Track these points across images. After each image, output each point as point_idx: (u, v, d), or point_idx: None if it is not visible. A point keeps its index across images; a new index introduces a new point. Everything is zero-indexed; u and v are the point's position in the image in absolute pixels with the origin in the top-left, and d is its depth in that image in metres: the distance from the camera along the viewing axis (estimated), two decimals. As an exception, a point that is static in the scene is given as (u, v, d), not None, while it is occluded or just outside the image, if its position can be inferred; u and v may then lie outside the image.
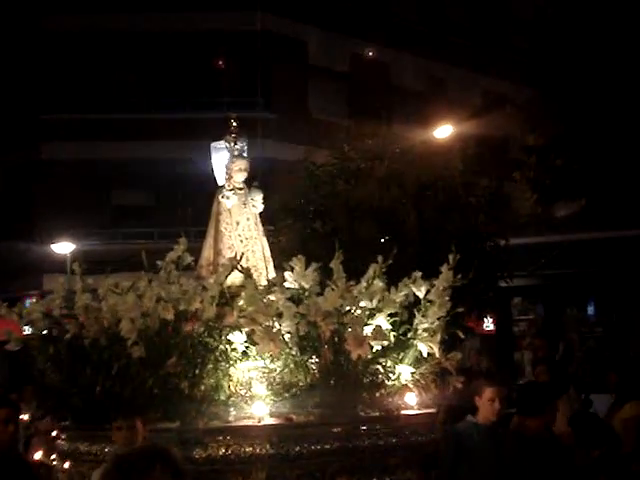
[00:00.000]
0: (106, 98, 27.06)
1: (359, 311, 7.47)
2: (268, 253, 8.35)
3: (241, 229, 8.26)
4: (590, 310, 20.30)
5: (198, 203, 23.05)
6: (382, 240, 15.91)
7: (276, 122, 26.84)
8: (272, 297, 7.44)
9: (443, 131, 25.28)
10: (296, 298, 7.49)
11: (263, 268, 8.07)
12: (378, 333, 7.35)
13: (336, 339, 7.34)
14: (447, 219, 23.21)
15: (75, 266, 7.96)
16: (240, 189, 8.38)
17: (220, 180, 15.25)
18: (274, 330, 7.26)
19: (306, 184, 18.05)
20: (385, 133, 21.92)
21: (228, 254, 8.08)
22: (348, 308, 7.44)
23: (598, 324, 19.69)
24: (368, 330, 7.43)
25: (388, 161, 20.95)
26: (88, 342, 7.72)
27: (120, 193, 27.40)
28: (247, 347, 7.49)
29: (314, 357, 7.45)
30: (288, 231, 17.04)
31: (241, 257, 7.43)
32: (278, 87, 27.42)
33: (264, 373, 7.53)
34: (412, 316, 7.81)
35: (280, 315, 7.36)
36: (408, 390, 7.64)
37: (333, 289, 7.39)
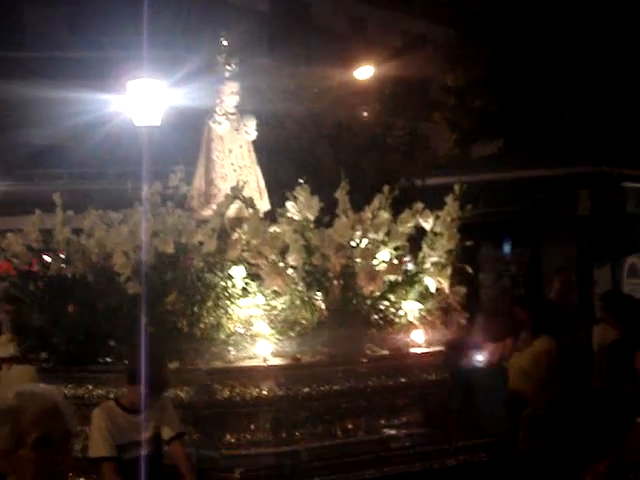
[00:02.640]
0: (15, 36, 25.90)
1: (368, 244, 7.03)
2: (262, 183, 7.84)
3: (234, 157, 7.71)
4: (506, 249, 20.25)
5: (114, 143, 22.42)
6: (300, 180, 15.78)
7: (195, 64, 26.01)
8: (276, 229, 6.96)
9: (363, 72, 24.94)
10: (299, 230, 7.01)
11: (258, 199, 7.54)
12: (392, 266, 6.92)
13: (347, 274, 6.89)
14: (364, 159, 23.01)
15: (56, 198, 7.34)
16: (232, 114, 7.81)
17: (137, 120, 14.68)
18: (281, 264, 6.78)
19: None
20: (304, 73, 21.58)
21: (221, 184, 7.56)
22: (358, 240, 7.00)
23: (513, 262, 19.64)
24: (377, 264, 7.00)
25: (306, 101, 20.68)
26: (71, 278, 7.17)
27: (32, 132, 26.34)
28: (247, 283, 6.98)
29: (321, 293, 6.98)
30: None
31: (243, 186, 6.91)
32: (197, 25, 26.61)
33: (265, 310, 7.03)
34: (415, 250, 7.41)
35: (285, 248, 6.88)
36: (414, 327, 7.25)
37: (343, 220, 6.92)
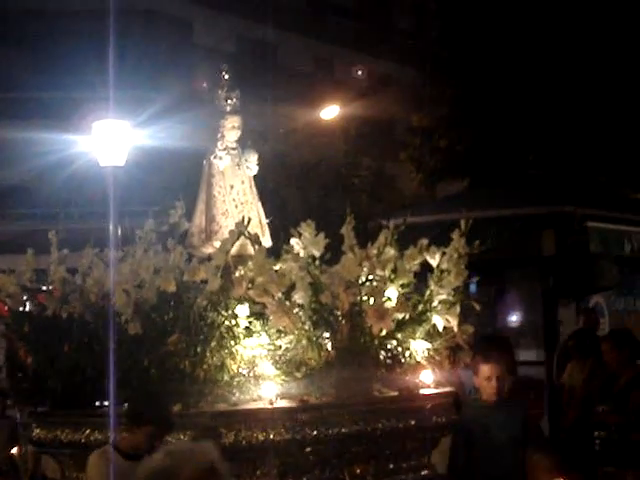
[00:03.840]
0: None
1: (376, 281, 6.82)
2: (264, 219, 7.62)
3: (235, 193, 7.49)
4: (471, 288, 20.25)
5: (79, 183, 22.12)
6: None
7: (163, 102, 25.86)
8: (282, 266, 6.73)
9: (329, 112, 24.91)
10: (305, 268, 6.79)
11: (260, 235, 7.31)
12: (401, 304, 6.72)
13: (355, 312, 6.67)
14: (330, 199, 22.91)
15: (51, 236, 7.08)
16: (233, 149, 7.60)
17: (102, 160, 14.50)
18: (288, 303, 6.56)
19: (188, 165, 18.07)
20: (270, 114, 21.52)
21: (222, 220, 7.33)
22: (365, 278, 6.79)
23: (478, 302, 19.63)
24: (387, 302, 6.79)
25: (272, 141, 20.58)
26: (68, 318, 6.90)
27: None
28: (250, 322, 6.75)
29: (328, 332, 6.76)
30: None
31: (248, 222, 6.69)
32: (163, 66, 26.48)
33: (269, 351, 6.79)
34: (420, 287, 7.21)
35: (291, 286, 6.66)
36: (422, 367, 7.03)
37: (350, 256, 6.71)
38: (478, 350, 7.34)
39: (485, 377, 7.01)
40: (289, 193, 23.41)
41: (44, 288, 7.19)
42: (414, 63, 29.28)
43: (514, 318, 15.78)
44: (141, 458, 5.90)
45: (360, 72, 22.11)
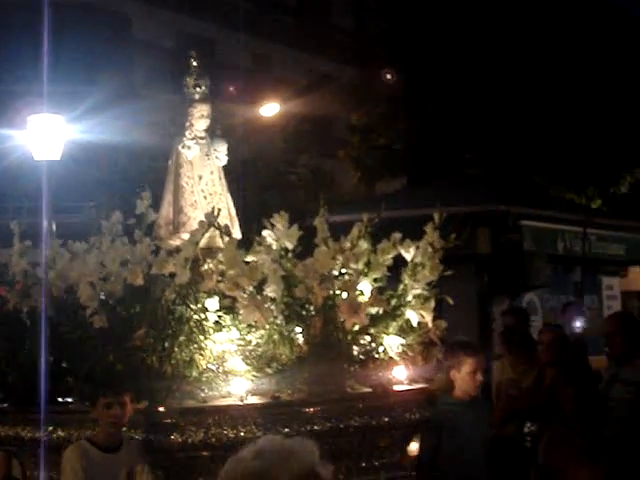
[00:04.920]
0: None
1: (349, 274, 6.65)
2: (233, 211, 7.40)
3: (204, 184, 7.25)
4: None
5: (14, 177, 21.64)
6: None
7: (100, 96, 25.41)
8: (254, 258, 6.54)
9: (268, 109, 24.75)
10: (277, 260, 6.60)
11: (230, 227, 7.08)
12: (375, 299, 6.56)
13: (328, 306, 6.50)
14: (268, 196, 22.79)
15: (13, 227, 6.81)
16: (202, 138, 7.36)
17: (36, 154, 14.21)
18: (259, 297, 6.36)
19: (126, 161, 18.06)
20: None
21: (190, 212, 7.10)
22: (340, 271, 6.62)
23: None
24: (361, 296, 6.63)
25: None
26: (28, 312, 6.63)
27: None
28: (220, 316, 6.54)
29: (300, 327, 6.57)
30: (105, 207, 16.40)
31: (218, 213, 6.47)
32: (100, 60, 26.02)
33: (239, 346, 6.57)
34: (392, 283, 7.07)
35: (263, 280, 6.46)
36: (395, 363, 6.88)
37: (323, 249, 6.54)
38: (459, 345, 7.27)
39: (470, 371, 6.97)
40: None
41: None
42: (353, 61, 29.24)
43: (448, 315, 15.85)
44: (117, 450, 5.74)
45: (389, 76, 21.99)
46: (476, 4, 24.75)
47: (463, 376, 7.15)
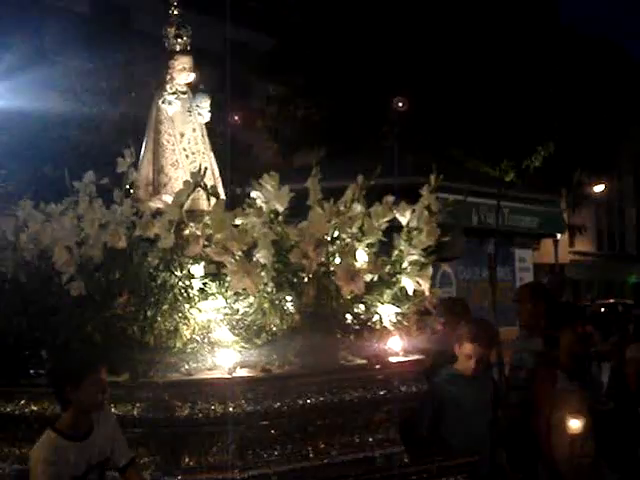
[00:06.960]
0: None
1: (344, 239, 6.24)
2: (217, 171, 6.94)
3: (186, 142, 6.79)
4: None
5: None
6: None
7: (10, 61, 24.72)
8: (243, 221, 6.09)
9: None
10: (268, 223, 6.16)
11: (216, 188, 6.62)
12: (373, 265, 6.15)
13: (322, 273, 6.08)
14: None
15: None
16: (183, 93, 6.89)
17: None
18: (250, 262, 5.92)
19: (35, 128, 17.93)
20: (122, 76, 21.15)
21: (172, 172, 6.65)
22: (332, 236, 6.20)
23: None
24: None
25: (124, 105, 20.18)
26: (-1, 278, 6.17)
27: None
28: (205, 284, 6.09)
29: (292, 295, 6.15)
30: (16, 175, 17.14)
31: (204, 172, 6.02)
32: (10, 25, 25.18)
33: (226, 315, 6.13)
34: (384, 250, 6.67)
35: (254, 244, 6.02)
36: (390, 333, 6.49)
37: (318, 211, 6.11)
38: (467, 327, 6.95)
39: (466, 354, 6.74)
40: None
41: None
42: (270, 30, 28.66)
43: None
44: (83, 439, 5.22)
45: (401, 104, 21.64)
46: None
47: (461, 355, 6.87)
